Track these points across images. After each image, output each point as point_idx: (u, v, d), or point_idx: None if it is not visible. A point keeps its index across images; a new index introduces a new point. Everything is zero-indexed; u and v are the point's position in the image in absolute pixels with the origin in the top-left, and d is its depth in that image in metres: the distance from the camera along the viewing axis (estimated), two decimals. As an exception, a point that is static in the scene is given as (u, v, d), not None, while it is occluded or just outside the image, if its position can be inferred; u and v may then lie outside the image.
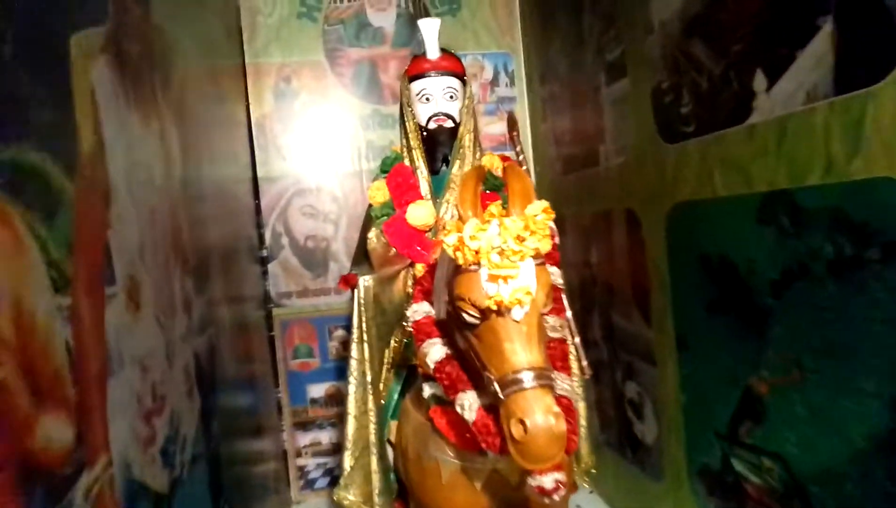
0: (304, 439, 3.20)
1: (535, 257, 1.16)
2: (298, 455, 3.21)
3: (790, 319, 1.55)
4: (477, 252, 1.12)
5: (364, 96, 3.21)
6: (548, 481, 1.17)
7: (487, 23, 3.23)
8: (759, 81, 1.53)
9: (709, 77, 1.73)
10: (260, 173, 3.10)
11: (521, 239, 1.12)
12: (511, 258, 1.10)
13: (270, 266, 3.12)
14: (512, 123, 1.67)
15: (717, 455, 1.95)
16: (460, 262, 1.15)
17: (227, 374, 1.89)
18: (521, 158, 1.56)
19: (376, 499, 1.60)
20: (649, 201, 2.15)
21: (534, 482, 1.19)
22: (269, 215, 3.12)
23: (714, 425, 1.94)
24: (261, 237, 3.10)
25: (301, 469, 3.21)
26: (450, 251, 1.16)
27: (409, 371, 1.69)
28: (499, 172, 1.82)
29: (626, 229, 2.36)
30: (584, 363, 1.50)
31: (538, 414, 1.07)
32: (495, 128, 3.24)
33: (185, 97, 1.64)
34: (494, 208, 1.24)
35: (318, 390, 3.17)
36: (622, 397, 2.58)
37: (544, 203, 1.15)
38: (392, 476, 1.70)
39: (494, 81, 3.26)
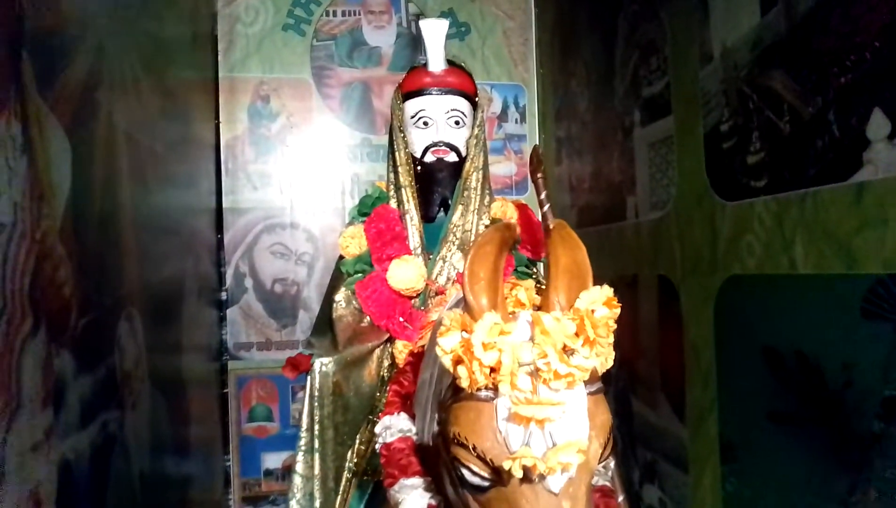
0: (255, 517, 2.71)
1: (588, 380, 0.71)
2: (247, 536, 2.71)
3: (911, 454, 1.12)
4: (493, 371, 0.67)
5: (353, 123, 2.81)
6: None
7: (499, 50, 2.86)
8: (878, 124, 1.13)
9: (793, 118, 1.33)
10: (225, 203, 2.68)
11: (569, 351, 0.69)
12: (552, 386, 0.67)
13: (229, 311, 2.67)
14: (536, 162, 1.25)
15: None
16: (463, 384, 0.71)
17: (140, 466, 1.43)
18: (546, 207, 1.14)
19: None
20: (693, 269, 1.73)
21: None
22: (233, 252, 2.68)
23: (771, 566, 1.49)
24: (220, 277, 2.65)
25: (247, 554, 2.71)
26: (447, 363, 0.72)
27: (377, 486, 1.24)
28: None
29: (657, 300, 1.95)
30: (621, 498, 1.06)
31: None
32: (501, 168, 2.84)
33: (101, 104, 1.23)
34: (523, 292, 0.81)
35: (274, 459, 2.70)
36: (638, 500, 2.13)
37: (607, 291, 0.72)
38: None
39: (503, 116, 2.88)
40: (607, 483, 0.96)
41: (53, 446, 0.95)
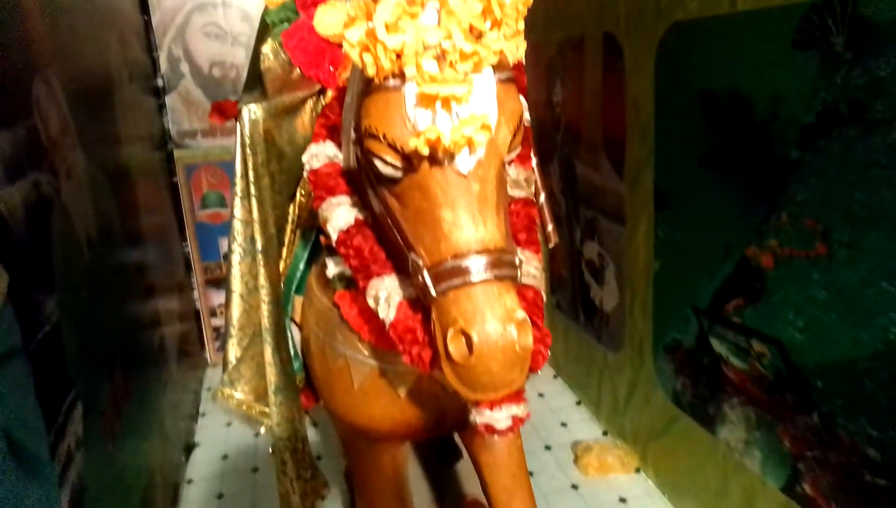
0: (219, 297, 2.83)
1: (498, 67, 0.71)
2: (213, 314, 2.86)
3: (822, 177, 1.19)
4: (399, 56, 0.66)
5: None
6: (501, 418, 0.80)
7: None
8: None
9: None
10: (146, -21, 2.46)
11: (476, 34, 0.67)
12: (458, 67, 0.66)
13: (168, 99, 2.57)
14: None
15: (693, 332, 1.67)
16: (370, 73, 0.69)
17: (86, 231, 1.44)
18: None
19: (272, 397, 1.25)
20: (637, 22, 1.69)
21: (480, 417, 0.80)
22: (163, 35, 2.52)
23: (692, 298, 1.64)
24: (154, 63, 2.51)
25: (217, 329, 2.87)
26: (353, 55, 0.70)
27: (319, 233, 1.27)
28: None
29: (601, 60, 1.92)
30: (550, 227, 1.11)
31: (491, 323, 0.69)
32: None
33: None
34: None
35: (233, 244, 2.75)
36: (579, 257, 2.27)
37: (517, -27, 0.69)
38: (298, 363, 1.34)
39: None
40: (530, 197, 1.00)
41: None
